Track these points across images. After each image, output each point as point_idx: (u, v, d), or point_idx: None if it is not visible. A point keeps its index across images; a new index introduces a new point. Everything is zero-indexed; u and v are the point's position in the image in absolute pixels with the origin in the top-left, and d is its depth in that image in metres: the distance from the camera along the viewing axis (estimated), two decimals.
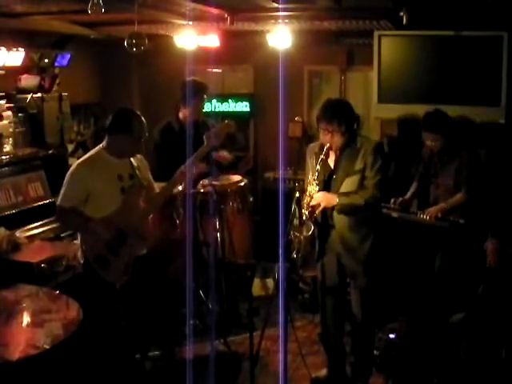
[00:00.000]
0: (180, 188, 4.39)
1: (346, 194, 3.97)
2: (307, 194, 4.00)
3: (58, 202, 3.84)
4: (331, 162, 4.06)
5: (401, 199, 5.04)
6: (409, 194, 5.15)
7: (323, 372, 4.33)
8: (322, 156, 3.94)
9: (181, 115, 5.10)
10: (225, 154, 5.29)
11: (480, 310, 3.74)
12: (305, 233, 4.00)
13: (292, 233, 4.02)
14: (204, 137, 4.20)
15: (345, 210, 3.97)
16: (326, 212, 4.03)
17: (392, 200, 5.01)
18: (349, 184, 3.98)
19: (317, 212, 3.98)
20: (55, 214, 4.01)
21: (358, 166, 3.96)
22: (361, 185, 3.98)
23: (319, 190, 3.98)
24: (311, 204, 3.96)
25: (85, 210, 3.81)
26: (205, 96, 5.12)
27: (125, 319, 3.82)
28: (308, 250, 4.23)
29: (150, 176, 4.15)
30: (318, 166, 3.95)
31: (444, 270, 4.74)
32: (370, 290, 4.13)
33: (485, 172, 4.90)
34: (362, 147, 3.98)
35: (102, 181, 3.80)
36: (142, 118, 3.87)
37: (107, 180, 3.82)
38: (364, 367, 4.22)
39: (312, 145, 4.23)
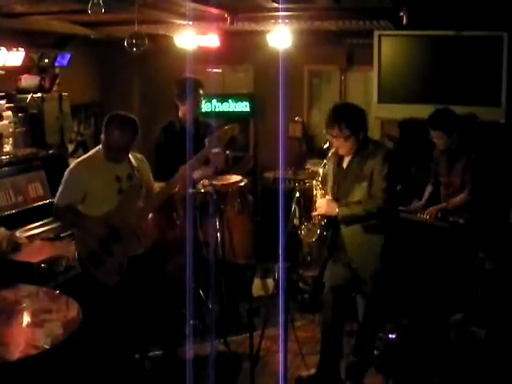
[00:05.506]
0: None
1: (347, 204, 3.86)
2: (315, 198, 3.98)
3: (55, 199, 3.88)
4: (343, 167, 3.98)
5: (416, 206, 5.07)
6: (424, 199, 5.13)
7: (311, 371, 4.25)
8: (325, 160, 3.93)
9: (180, 114, 5.08)
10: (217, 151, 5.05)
11: (480, 310, 3.73)
12: (309, 238, 3.98)
13: (300, 236, 4.00)
14: (206, 140, 4.17)
15: (346, 220, 3.87)
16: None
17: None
18: (358, 191, 3.88)
19: (316, 213, 3.96)
20: (52, 212, 4.02)
21: (366, 171, 3.85)
22: (369, 192, 3.86)
23: (325, 196, 3.95)
24: (316, 212, 3.94)
25: (81, 209, 3.83)
26: (201, 91, 4.99)
27: (121, 319, 3.82)
28: (316, 252, 4.21)
29: (151, 176, 4.15)
30: (321, 170, 3.94)
31: (443, 269, 4.74)
32: (378, 295, 4.03)
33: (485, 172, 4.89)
34: (371, 153, 3.86)
35: (98, 181, 3.81)
36: (124, 127, 3.77)
37: (104, 180, 3.82)
38: (360, 368, 4.19)
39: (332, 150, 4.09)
